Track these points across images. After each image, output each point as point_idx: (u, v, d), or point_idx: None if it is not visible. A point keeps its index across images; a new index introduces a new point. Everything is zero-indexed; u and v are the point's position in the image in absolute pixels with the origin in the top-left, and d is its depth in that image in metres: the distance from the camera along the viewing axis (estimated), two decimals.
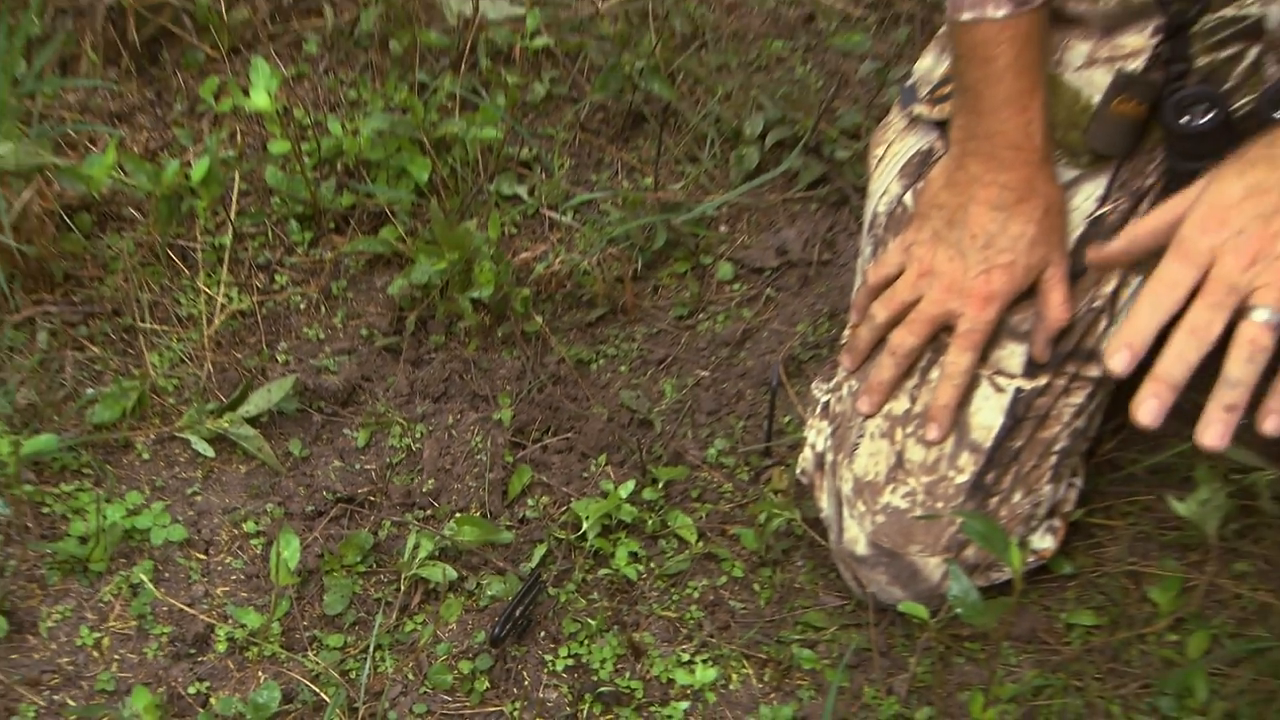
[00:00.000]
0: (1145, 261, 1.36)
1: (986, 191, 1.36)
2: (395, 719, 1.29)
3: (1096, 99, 1.36)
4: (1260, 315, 1.02)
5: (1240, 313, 1.03)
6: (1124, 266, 1.30)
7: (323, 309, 1.64)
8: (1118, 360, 1.07)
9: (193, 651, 1.33)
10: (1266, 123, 1.22)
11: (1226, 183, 1.07)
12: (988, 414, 1.33)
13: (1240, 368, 1.03)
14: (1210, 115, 1.28)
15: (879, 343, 1.40)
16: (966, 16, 1.30)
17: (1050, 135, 1.37)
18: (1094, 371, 1.38)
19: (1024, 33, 1.32)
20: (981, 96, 1.35)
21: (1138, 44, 1.35)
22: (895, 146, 1.48)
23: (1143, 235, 1.13)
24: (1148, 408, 1.04)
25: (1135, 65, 1.35)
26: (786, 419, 1.53)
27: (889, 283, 1.40)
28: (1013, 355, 1.35)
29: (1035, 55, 1.35)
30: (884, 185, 1.48)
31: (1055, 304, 1.35)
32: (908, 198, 1.44)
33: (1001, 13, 1.30)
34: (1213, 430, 1.01)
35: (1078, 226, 1.38)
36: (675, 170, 1.76)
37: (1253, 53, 1.31)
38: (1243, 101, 1.30)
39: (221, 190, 1.64)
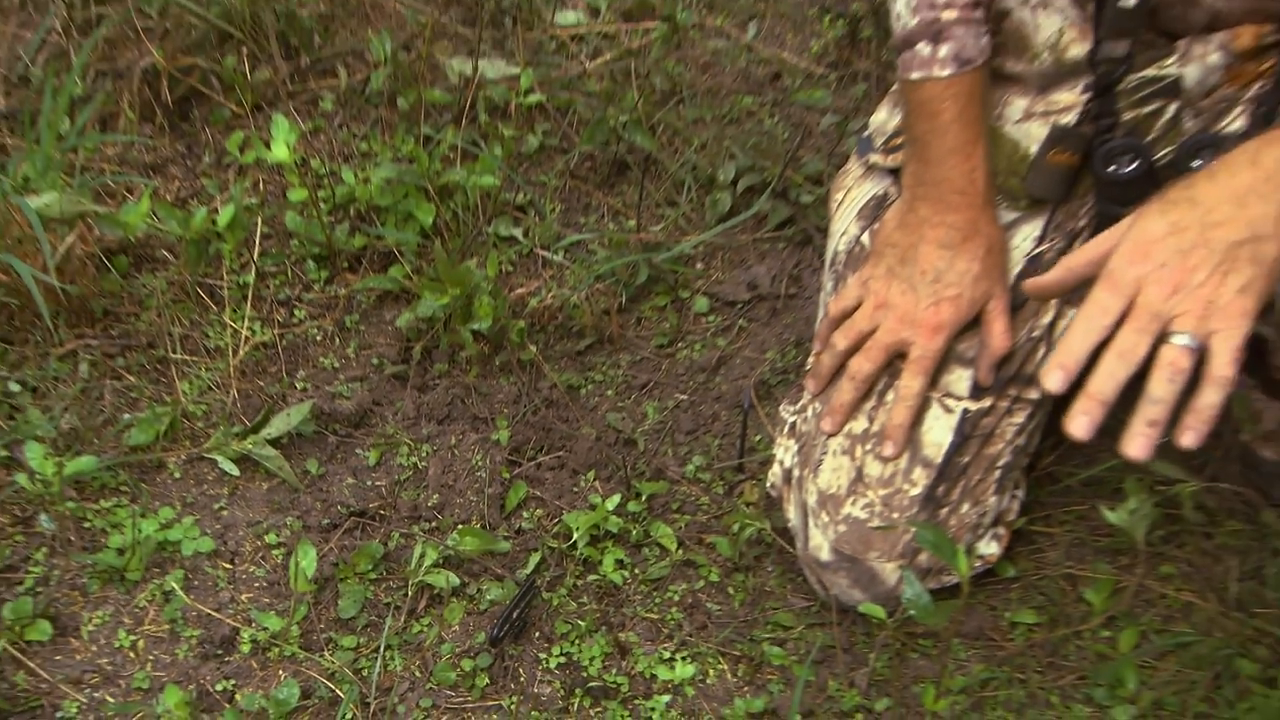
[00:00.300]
0: (1078, 292, 1.39)
1: (935, 232, 1.36)
2: (403, 713, 1.28)
3: (1034, 149, 1.37)
4: (1180, 340, 1.02)
5: (1162, 337, 1.03)
6: (1058, 296, 1.28)
7: (337, 340, 1.63)
8: (1053, 379, 1.07)
9: (220, 652, 1.33)
10: (1185, 171, 1.22)
11: (1150, 220, 1.07)
12: (938, 432, 1.34)
13: (1162, 387, 1.03)
14: (1135, 165, 1.29)
15: (840, 368, 1.40)
16: (915, 75, 1.32)
17: (992, 181, 1.37)
18: (1033, 394, 1.38)
19: (967, 90, 1.33)
20: (930, 146, 1.36)
21: (1070, 100, 1.36)
22: (854, 191, 1.49)
23: (1076, 267, 1.13)
24: (1080, 422, 1.04)
25: (1068, 119, 1.36)
26: (757, 438, 1.53)
27: (848, 314, 1.40)
28: (960, 379, 1.35)
29: (977, 110, 1.35)
30: (844, 226, 1.48)
31: (997, 333, 1.35)
32: (865, 237, 1.45)
33: (946, 72, 1.32)
34: (1136, 443, 1.02)
35: (1017, 263, 1.38)
36: (656, 213, 1.76)
37: (1172, 108, 1.32)
38: (1164, 152, 1.30)
39: (245, 234, 1.63)
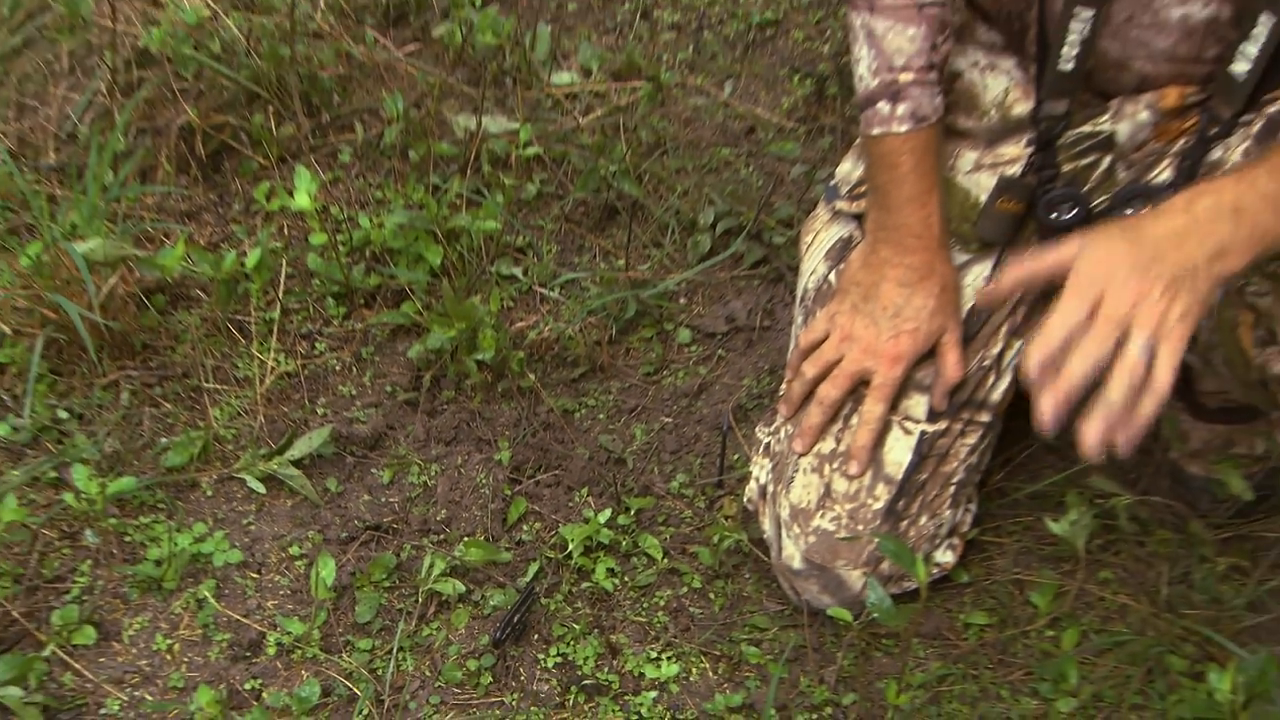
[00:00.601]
0: (1027, 325, 1.40)
1: (895, 271, 1.36)
2: (414, 709, 1.29)
3: (983, 198, 1.37)
4: (1138, 344, 1.03)
5: (1120, 342, 1.04)
6: (1009, 298, 1.30)
7: (354, 370, 1.62)
8: (1032, 368, 1.07)
9: (248, 654, 1.33)
10: (1119, 218, 1.24)
11: (1110, 239, 1.08)
12: (898, 452, 1.34)
13: (1119, 388, 1.04)
14: (1074, 212, 1.30)
15: (809, 395, 1.40)
16: (876, 131, 1.33)
17: (946, 226, 1.38)
18: (984, 417, 1.38)
19: (922, 144, 1.34)
20: (889, 195, 1.37)
21: (1015, 153, 1.37)
22: (822, 234, 1.49)
23: (1025, 275, 1.13)
24: (1046, 414, 1.04)
25: (1014, 171, 1.36)
26: (735, 457, 1.52)
27: (817, 346, 1.40)
28: (918, 404, 1.35)
29: (932, 162, 1.36)
30: (813, 265, 1.48)
31: (951, 363, 1.36)
32: (832, 276, 1.45)
33: (904, 129, 1.33)
34: (1090, 435, 1.02)
35: (969, 300, 1.39)
36: (642, 254, 1.75)
37: (1106, 161, 1.33)
38: (1099, 200, 1.31)
39: (271, 274, 1.63)
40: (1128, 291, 1.04)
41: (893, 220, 1.37)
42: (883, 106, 1.34)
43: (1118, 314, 1.04)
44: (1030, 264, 1.12)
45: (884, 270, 1.37)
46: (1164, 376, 1.03)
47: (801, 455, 1.38)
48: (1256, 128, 1.22)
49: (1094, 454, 1.02)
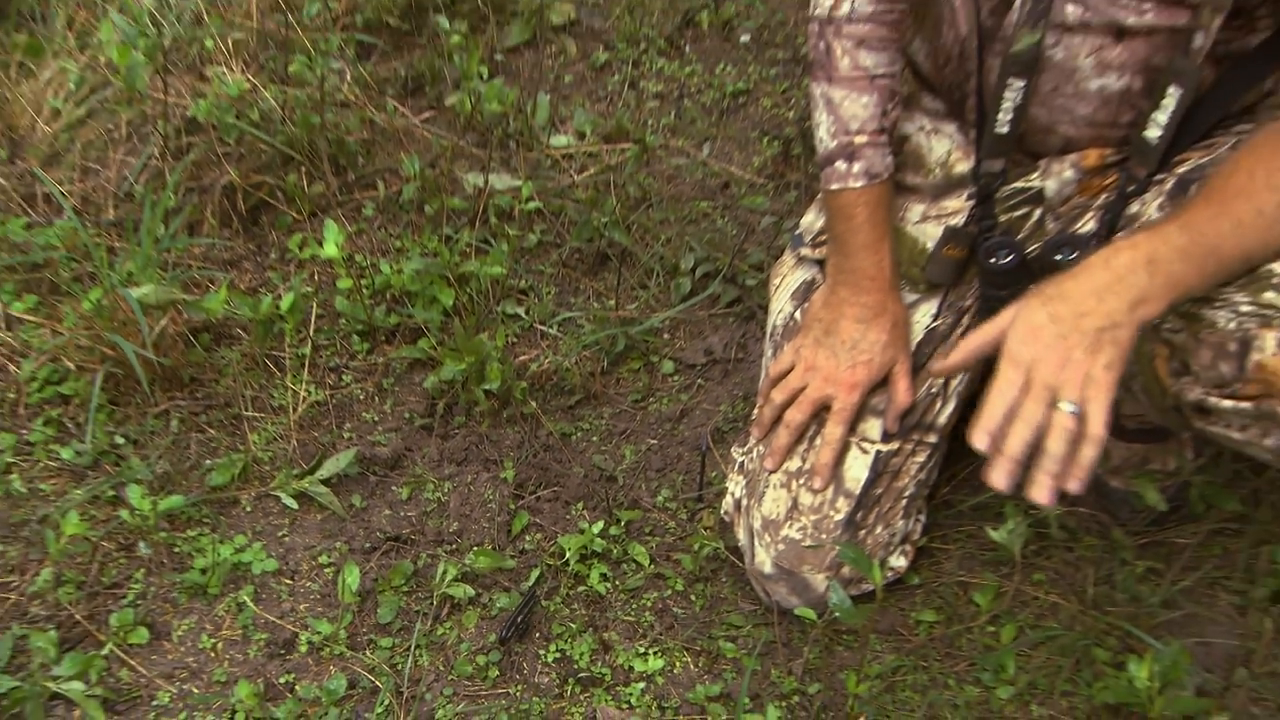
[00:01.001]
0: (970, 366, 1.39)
1: (852, 310, 1.37)
2: (430, 699, 1.29)
3: (930, 245, 1.39)
4: (1067, 407, 1.03)
5: (1052, 404, 1.04)
6: (957, 373, 1.32)
7: (376, 399, 1.62)
8: (980, 441, 1.07)
9: (282, 652, 1.34)
10: (1050, 264, 1.26)
11: (1033, 312, 1.08)
12: (856, 469, 1.34)
13: (1056, 445, 1.04)
14: (1010, 258, 1.30)
15: (778, 419, 1.41)
16: (834, 187, 1.35)
17: (897, 269, 1.39)
18: (932, 439, 1.39)
19: (875, 198, 1.36)
20: (846, 243, 1.38)
21: (957, 206, 1.39)
22: (788, 277, 1.50)
23: (972, 349, 1.13)
24: (1000, 478, 1.05)
25: (957, 221, 1.38)
26: (713, 474, 1.52)
27: (784, 375, 1.42)
28: (874, 427, 1.36)
29: (884, 214, 1.37)
30: (780, 305, 1.49)
31: (902, 390, 1.37)
32: (797, 314, 1.46)
33: (859, 184, 1.34)
34: (1041, 491, 1.03)
35: (918, 335, 1.40)
36: (631, 295, 1.74)
37: (1037, 213, 1.34)
38: (1032, 248, 1.32)
39: (303, 315, 1.64)
40: (1054, 356, 1.05)
41: (850, 264, 1.37)
42: (840, 165, 1.35)
43: (1047, 381, 1.04)
44: (973, 340, 1.13)
45: (842, 309, 1.38)
46: (1096, 426, 1.04)
47: (771, 473, 1.38)
48: (1169, 186, 1.23)
49: (1049, 503, 1.02)
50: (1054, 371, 1.05)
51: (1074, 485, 1.02)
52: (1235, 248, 1.07)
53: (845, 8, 1.34)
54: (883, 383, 1.38)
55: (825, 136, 1.36)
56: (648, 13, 2.17)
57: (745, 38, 2.14)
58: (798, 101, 2.00)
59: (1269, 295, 1.08)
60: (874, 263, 1.36)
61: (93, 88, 1.85)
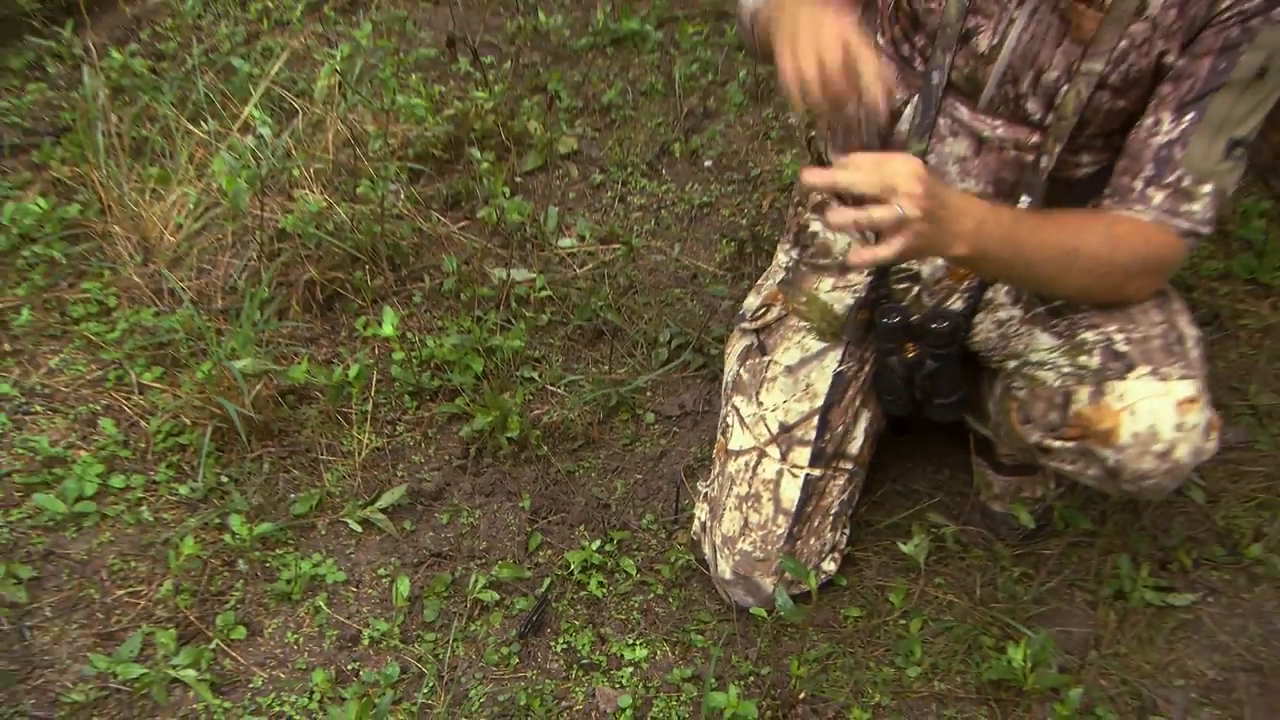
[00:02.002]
0: (872, 403, 1.36)
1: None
2: (464, 682, 1.30)
3: (839, 309, 1.36)
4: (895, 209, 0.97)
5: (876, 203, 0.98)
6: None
7: (423, 445, 1.60)
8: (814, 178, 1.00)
9: (349, 645, 1.35)
10: (925, 329, 1.23)
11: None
12: (790, 491, 1.32)
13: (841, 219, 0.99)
14: (897, 319, 1.26)
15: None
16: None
17: None
18: (848, 465, 1.36)
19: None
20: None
21: (859, 280, 1.36)
22: (735, 346, 1.47)
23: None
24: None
25: (860, 292, 1.35)
26: (686, 502, 1.51)
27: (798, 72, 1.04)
28: (802, 455, 1.33)
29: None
30: (730, 366, 1.45)
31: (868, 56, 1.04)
32: (742, 372, 1.42)
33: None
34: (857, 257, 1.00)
35: (828, 377, 1.35)
36: (621, 362, 1.73)
37: (916, 289, 1.33)
38: (915, 316, 1.28)
39: (366, 380, 1.62)
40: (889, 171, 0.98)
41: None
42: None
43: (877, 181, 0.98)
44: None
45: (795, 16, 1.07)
46: (886, 252, 0.99)
47: (743, 449, 1.34)
48: None
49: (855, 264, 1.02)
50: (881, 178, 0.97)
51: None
52: (1033, 259, 1.07)
53: None
54: (792, 427, 1.33)
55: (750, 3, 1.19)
56: (633, 144, 2.15)
57: (708, 163, 2.12)
58: (749, 211, 1.99)
59: (1082, 359, 1.12)
60: None
61: (206, 207, 1.85)
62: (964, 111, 1.18)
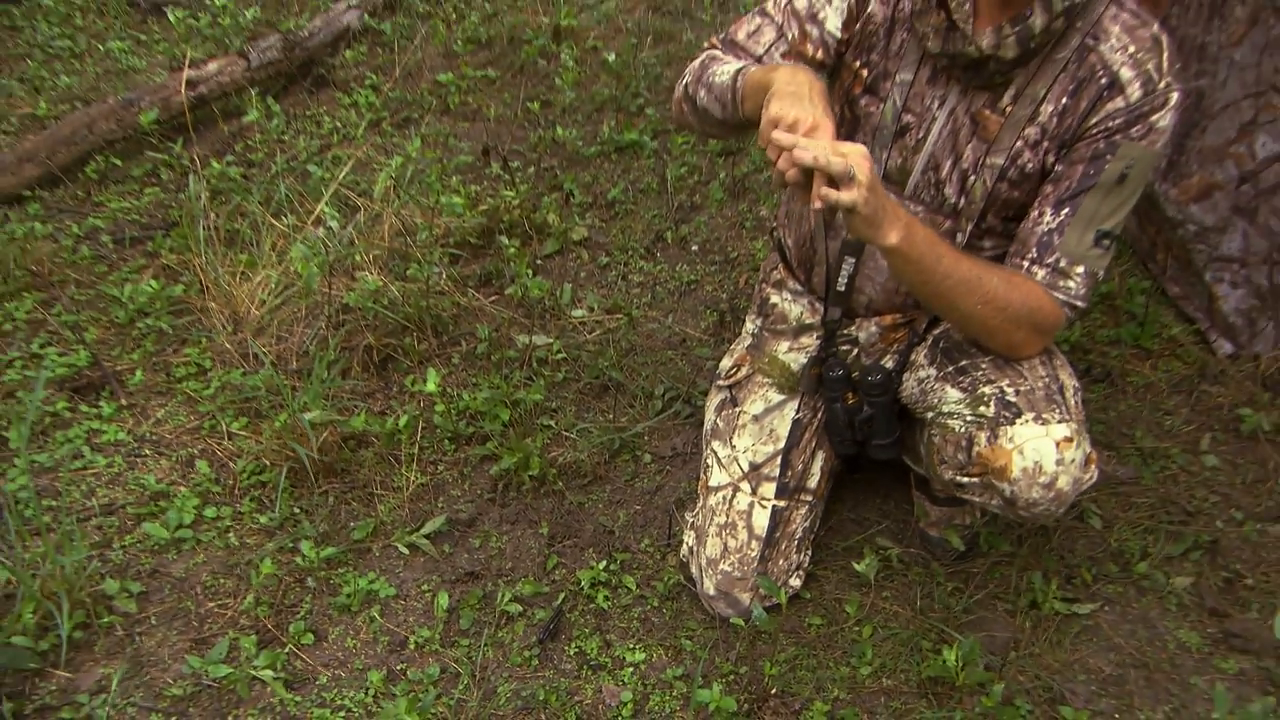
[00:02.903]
0: (826, 446, 1.36)
1: (782, 73, 1.07)
2: (493, 680, 1.30)
3: (794, 367, 1.38)
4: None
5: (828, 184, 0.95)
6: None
7: (460, 481, 1.60)
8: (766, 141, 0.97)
9: (398, 649, 1.34)
10: (864, 381, 1.24)
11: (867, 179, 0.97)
12: (761, 520, 1.33)
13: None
14: (841, 373, 1.28)
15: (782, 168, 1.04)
16: (753, 69, 1.12)
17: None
18: (808, 497, 1.36)
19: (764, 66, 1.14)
20: (766, 73, 1.08)
21: (811, 343, 1.38)
22: (714, 399, 1.47)
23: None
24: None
25: (812, 352, 1.37)
26: (677, 529, 1.51)
27: (773, 126, 1.00)
28: (770, 489, 1.33)
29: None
30: (710, 416, 1.46)
31: (827, 127, 1.02)
32: (718, 420, 1.41)
33: (778, 58, 1.16)
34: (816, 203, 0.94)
35: (787, 424, 1.35)
36: (623, 412, 1.72)
37: (855, 350, 1.35)
38: (855, 371, 1.30)
39: (413, 428, 1.64)
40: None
41: (771, 72, 1.07)
42: (742, 72, 1.13)
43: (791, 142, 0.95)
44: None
45: (773, 73, 1.07)
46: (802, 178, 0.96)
47: (721, 485, 1.33)
48: (930, 340, 1.27)
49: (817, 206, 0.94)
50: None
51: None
52: (949, 271, 1.05)
53: (708, 55, 1.20)
54: (765, 464, 1.33)
55: (721, 78, 1.14)
56: (633, 232, 2.16)
57: (695, 248, 2.14)
58: (728, 287, 1.99)
59: (981, 409, 1.14)
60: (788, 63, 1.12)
61: (285, 287, 1.86)
62: (894, 198, 1.15)
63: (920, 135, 1.17)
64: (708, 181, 2.33)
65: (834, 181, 0.94)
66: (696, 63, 1.24)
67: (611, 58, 2.71)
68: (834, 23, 1.17)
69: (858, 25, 1.16)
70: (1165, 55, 1.05)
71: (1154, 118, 1.04)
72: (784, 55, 1.18)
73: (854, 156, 0.95)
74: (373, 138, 2.46)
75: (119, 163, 2.33)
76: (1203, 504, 1.52)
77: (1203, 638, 1.34)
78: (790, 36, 1.18)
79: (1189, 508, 1.51)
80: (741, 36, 1.22)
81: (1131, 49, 1.04)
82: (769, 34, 1.20)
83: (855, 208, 0.95)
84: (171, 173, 2.33)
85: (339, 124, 2.52)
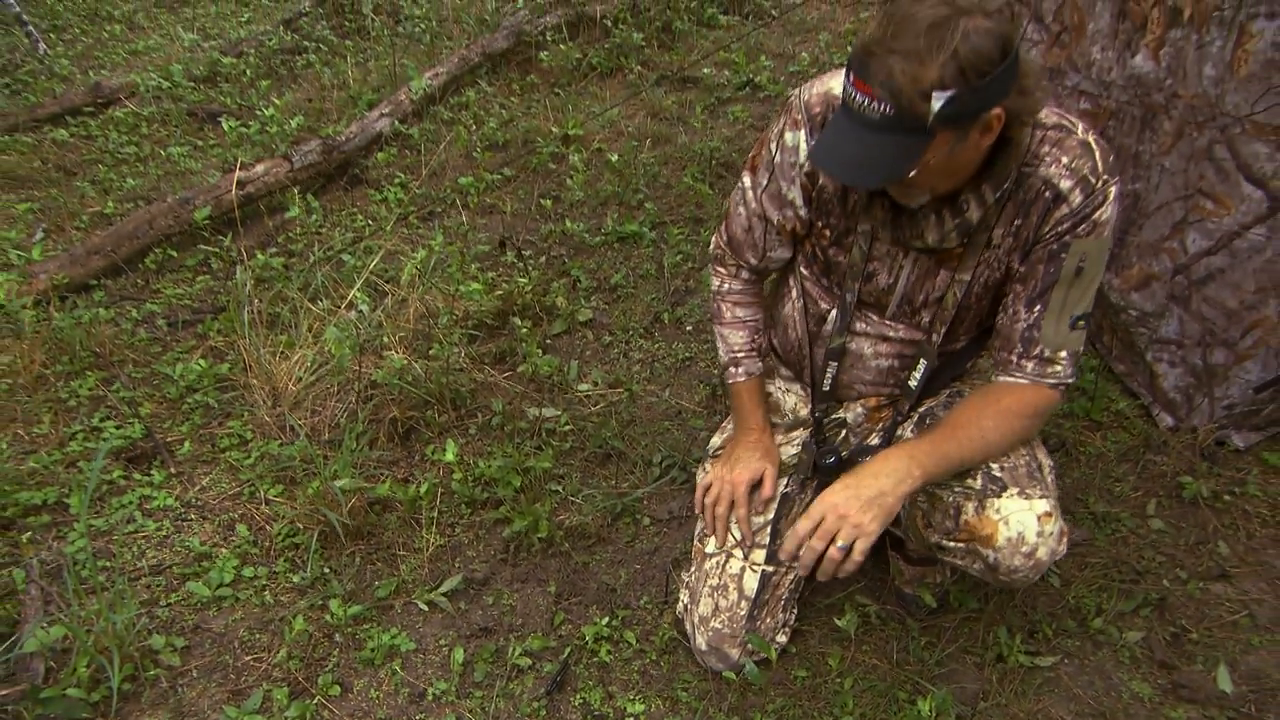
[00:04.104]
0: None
1: (743, 444, 1.37)
2: None
3: (785, 458, 1.39)
4: (840, 544, 1.08)
5: (831, 541, 1.08)
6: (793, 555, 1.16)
7: (475, 543, 1.60)
8: (784, 557, 1.12)
9: (418, 700, 1.35)
10: (854, 461, 1.29)
11: (835, 487, 1.11)
12: (751, 582, 1.33)
13: (827, 571, 1.08)
14: (833, 459, 1.33)
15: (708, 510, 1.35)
16: (730, 382, 1.38)
17: (768, 421, 1.37)
18: (795, 564, 1.23)
19: (753, 385, 1.37)
20: (739, 410, 1.38)
21: (803, 435, 1.40)
22: (705, 468, 1.44)
23: (797, 534, 1.12)
24: (802, 572, 1.10)
25: (805, 440, 1.38)
26: (674, 588, 1.51)
27: (708, 487, 1.37)
28: (760, 555, 1.34)
29: (759, 393, 1.37)
30: (700, 479, 1.42)
31: (768, 486, 1.33)
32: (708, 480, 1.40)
33: (742, 379, 1.36)
34: (821, 578, 1.06)
35: (777, 499, 1.36)
36: (624, 478, 1.73)
37: (844, 432, 1.37)
38: (845, 452, 1.34)
39: (433, 494, 1.65)
40: (835, 514, 1.09)
41: (741, 421, 1.37)
42: (731, 369, 1.36)
43: (828, 527, 1.09)
44: (791, 531, 1.12)
45: (737, 444, 1.37)
46: (858, 556, 1.08)
47: (713, 553, 1.34)
48: (915, 419, 1.29)
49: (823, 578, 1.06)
50: (835, 522, 1.08)
51: (841, 576, 1.07)
52: (957, 456, 1.12)
53: (725, 286, 1.36)
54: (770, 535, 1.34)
55: (722, 354, 1.37)
56: (633, 314, 2.19)
57: (689, 328, 2.17)
58: (717, 363, 1.94)
59: (969, 481, 1.16)
60: (755, 418, 1.36)
61: (320, 365, 1.89)
62: (874, 318, 1.24)
63: (890, 280, 1.21)
64: (700, 268, 2.38)
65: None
66: (711, 287, 1.37)
67: (615, 158, 2.84)
68: (798, 199, 1.23)
69: (814, 194, 1.21)
70: (1097, 155, 1.06)
71: (1096, 214, 1.07)
72: (777, 235, 1.28)
73: (846, 527, 1.07)
74: (400, 230, 2.53)
75: (175, 254, 2.43)
76: (1151, 564, 1.54)
77: (1153, 688, 1.34)
78: (774, 221, 1.27)
79: (1138, 567, 1.53)
80: (739, 233, 1.32)
81: (1064, 160, 1.07)
82: (758, 228, 1.29)
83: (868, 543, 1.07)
84: (221, 263, 2.41)
85: (371, 218, 2.60)
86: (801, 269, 1.32)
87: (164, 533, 1.63)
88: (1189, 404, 1.73)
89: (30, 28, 3.25)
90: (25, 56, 3.17)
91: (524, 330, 2.02)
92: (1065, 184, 1.08)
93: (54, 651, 1.34)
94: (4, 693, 1.21)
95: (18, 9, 3.25)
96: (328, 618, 1.46)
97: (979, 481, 1.14)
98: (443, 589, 1.51)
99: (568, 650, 1.42)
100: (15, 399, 1.85)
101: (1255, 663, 1.35)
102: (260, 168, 2.62)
